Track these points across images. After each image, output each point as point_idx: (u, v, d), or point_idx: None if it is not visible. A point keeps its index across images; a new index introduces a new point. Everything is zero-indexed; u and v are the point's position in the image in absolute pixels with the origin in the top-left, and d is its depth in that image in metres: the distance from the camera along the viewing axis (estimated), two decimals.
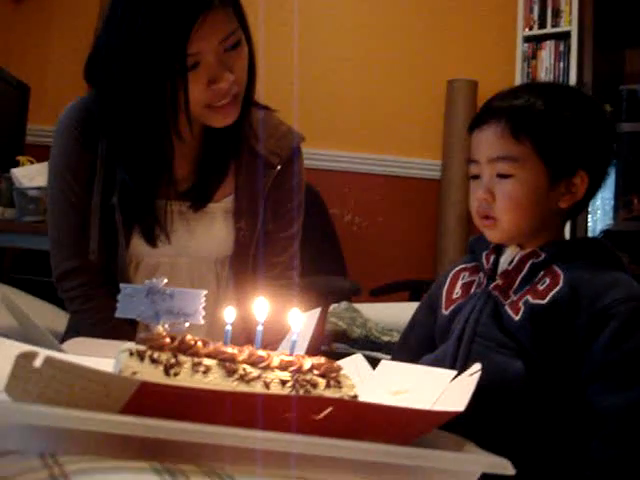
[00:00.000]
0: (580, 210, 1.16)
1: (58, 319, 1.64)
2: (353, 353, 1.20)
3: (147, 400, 0.72)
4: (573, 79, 3.20)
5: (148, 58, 1.28)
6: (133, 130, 1.38)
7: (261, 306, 0.97)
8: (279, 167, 1.49)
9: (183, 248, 1.47)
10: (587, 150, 1.10)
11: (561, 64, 3.27)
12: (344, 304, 2.49)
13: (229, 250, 1.49)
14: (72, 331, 1.47)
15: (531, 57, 3.38)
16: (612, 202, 3.30)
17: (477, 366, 0.90)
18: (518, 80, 3.30)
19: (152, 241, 1.43)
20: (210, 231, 1.48)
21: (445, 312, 1.15)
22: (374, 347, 2.29)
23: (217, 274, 1.50)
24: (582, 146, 1.10)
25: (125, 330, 1.37)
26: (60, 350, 1.09)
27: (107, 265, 1.44)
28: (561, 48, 3.29)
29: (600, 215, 3.30)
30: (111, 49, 1.34)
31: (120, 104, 1.36)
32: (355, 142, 3.58)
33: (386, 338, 2.33)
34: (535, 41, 3.37)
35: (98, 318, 1.43)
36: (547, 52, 3.33)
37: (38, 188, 2.45)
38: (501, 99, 1.13)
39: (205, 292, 0.95)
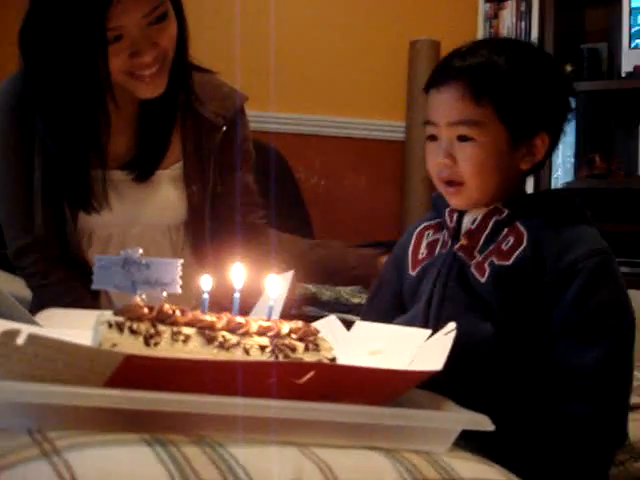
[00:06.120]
0: (539, 169, 1.14)
1: (26, 289, 1.62)
2: (323, 316, 1.21)
3: (131, 373, 0.72)
4: (534, 38, 3.20)
5: (69, 32, 1.28)
6: (60, 100, 1.37)
7: (238, 273, 0.97)
8: (224, 128, 1.49)
9: (133, 217, 1.47)
10: (547, 111, 1.09)
11: (522, 23, 3.27)
12: None
13: (182, 216, 1.49)
14: (35, 308, 1.46)
15: (493, 17, 3.37)
16: (572, 160, 3.34)
17: (452, 325, 0.91)
18: None
19: (90, 210, 1.43)
20: (159, 199, 1.48)
21: (412, 273, 1.14)
22: (344, 309, 2.30)
23: (171, 241, 1.50)
24: (543, 107, 1.08)
25: (87, 302, 1.37)
26: (34, 323, 1.08)
27: (60, 239, 1.43)
28: (522, 7, 3.27)
29: (561, 173, 3.33)
30: (37, 19, 1.33)
31: (46, 73, 1.35)
32: (318, 105, 3.56)
33: (356, 300, 2.34)
34: (496, 1, 3.37)
35: (58, 293, 1.42)
36: (509, 11, 3.32)
37: None
38: (460, 58, 1.08)
39: (181, 261, 0.95)
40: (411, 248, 1.16)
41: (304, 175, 3.40)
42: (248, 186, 1.56)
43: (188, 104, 1.47)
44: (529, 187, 3.10)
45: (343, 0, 3.58)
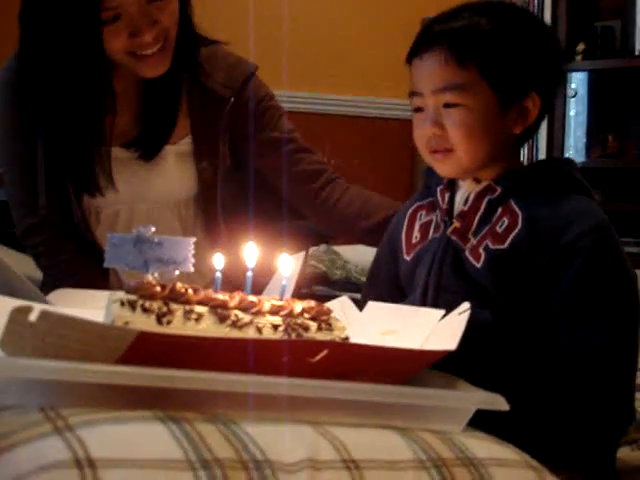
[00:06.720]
0: (530, 135, 1.10)
1: (37, 269, 1.62)
2: (334, 295, 1.20)
3: (144, 350, 0.72)
4: (547, 17, 3.16)
5: (65, 12, 1.26)
6: (61, 81, 1.35)
7: (251, 251, 0.97)
8: (232, 99, 1.46)
9: (140, 194, 1.45)
10: (536, 70, 1.05)
11: (535, 1, 3.23)
12: (323, 247, 2.50)
13: (190, 191, 1.48)
14: (45, 287, 1.46)
15: None
16: (585, 139, 3.31)
17: (466, 305, 0.90)
18: None
19: (94, 191, 1.41)
20: (166, 175, 1.46)
21: (407, 258, 1.11)
22: (354, 288, 2.30)
23: (181, 217, 1.49)
24: (531, 66, 1.04)
25: (97, 281, 1.36)
26: (46, 302, 1.08)
27: (67, 218, 1.43)
28: None
29: (573, 153, 3.30)
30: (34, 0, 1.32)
31: (47, 54, 1.34)
32: (327, 83, 3.53)
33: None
34: None
35: (67, 271, 1.42)
36: None
37: None
38: (441, 22, 1.05)
39: (194, 239, 0.94)
40: (404, 231, 1.13)
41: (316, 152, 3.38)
42: (281, 139, 1.50)
43: (194, 78, 1.45)
44: None
45: None
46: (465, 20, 1.04)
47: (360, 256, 2.48)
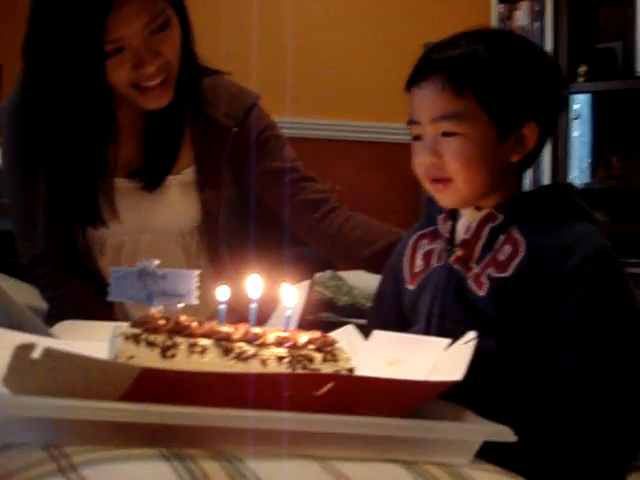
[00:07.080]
0: (531, 162, 1.09)
1: (41, 300, 1.62)
2: (340, 322, 1.20)
3: (148, 386, 0.71)
4: (549, 39, 3.18)
5: (68, 45, 1.28)
6: (64, 113, 1.36)
7: (254, 283, 0.96)
8: (235, 129, 1.46)
9: (144, 225, 1.45)
10: (534, 98, 1.05)
11: (537, 24, 3.25)
12: (329, 272, 2.49)
13: (194, 221, 1.48)
14: (51, 319, 1.46)
15: (506, 18, 3.35)
16: (589, 161, 3.31)
17: (471, 334, 0.89)
18: None
19: (97, 223, 1.41)
20: (170, 205, 1.46)
21: (410, 287, 1.11)
22: (361, 314, 2.29)
23: (185, 247, 1.48)
24: (529, 95, 1.04)
25: (102, 313, 1.35)
26: (49, 335, 1.08)
27: (71, 249, 1.43)
28: (536, 8, 3.26)
29: (577, 174, 3.30)
30: (36, 32, 1.33)
31: (49, 86, 1.35)
32: (331, 109, 3.55)
33: None
34: (510, 1, 3.34)
35: (73, 304, 1.42)
36: (522, 12, 3.29)
37: None
38: (438, 51, 1.05)
39: (198, 272, 0.94)
40: (407, 259, 1.13)
41: (320, 181, 3.39)
42: (283, 168, 1.50)
43: (197, 108, 1.46)
44: None
45: (356, 4, 3.57)
46: (462, 48, 1.04)
47: (366, 282, 2.47)
